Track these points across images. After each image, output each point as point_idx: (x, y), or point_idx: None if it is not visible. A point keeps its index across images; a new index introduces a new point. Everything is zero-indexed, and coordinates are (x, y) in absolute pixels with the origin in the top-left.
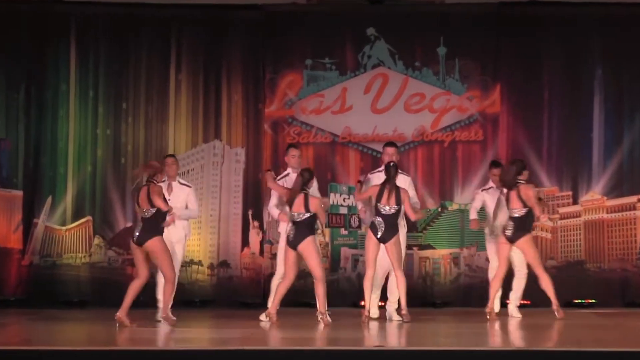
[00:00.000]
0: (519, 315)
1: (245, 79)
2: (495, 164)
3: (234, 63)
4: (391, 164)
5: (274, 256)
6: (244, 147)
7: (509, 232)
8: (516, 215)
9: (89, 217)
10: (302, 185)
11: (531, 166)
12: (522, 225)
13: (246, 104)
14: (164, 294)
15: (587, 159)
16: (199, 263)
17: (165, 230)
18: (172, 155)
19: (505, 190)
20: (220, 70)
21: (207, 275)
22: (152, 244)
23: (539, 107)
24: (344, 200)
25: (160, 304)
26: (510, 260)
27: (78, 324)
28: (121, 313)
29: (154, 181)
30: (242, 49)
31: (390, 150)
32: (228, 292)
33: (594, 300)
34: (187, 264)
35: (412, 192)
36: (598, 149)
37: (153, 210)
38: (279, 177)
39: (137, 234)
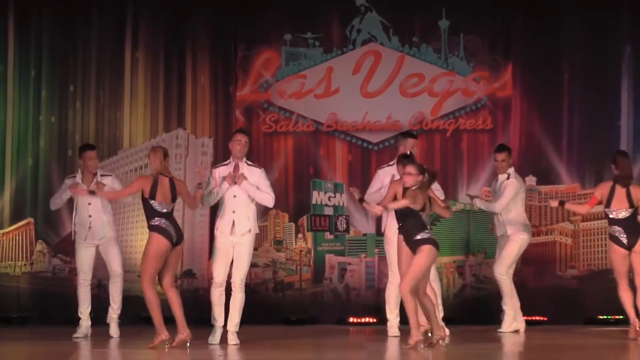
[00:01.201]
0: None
1: (213, 58)
2: (502, 148)
3: (200, 38)
4: (408, 152)
5: None
6: (212, 137)
7: (623, 238)
8: (624, 216)
9: (30, 219)
10: (429, 183)
11: (548, 159)
12: (637, 227)
13: (214, 87)
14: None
15: (614, 152)
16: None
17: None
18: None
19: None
20: (184, 47)
21: None
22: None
23: (558, 91)
24: (329, 199)
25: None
26: None
27: (18, 344)
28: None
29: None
30: (210, 22)
31: (411, 141)
32: (194, 306)
33: (621, 317)
34: None
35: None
36: (626, 140)
37: (173, 205)
38: (217, 165)
39: (176, 231)
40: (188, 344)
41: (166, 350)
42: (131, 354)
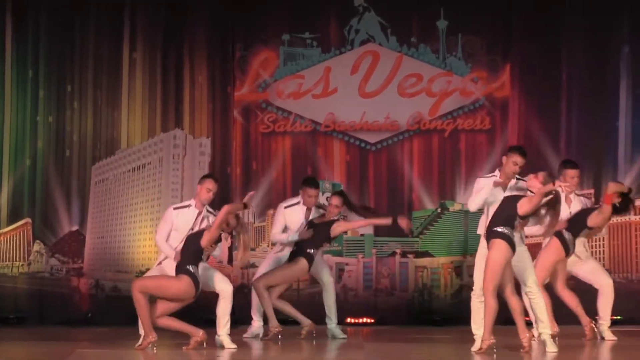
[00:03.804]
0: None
1: (211, 58)
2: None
3: (197, 38)
4: None
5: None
6: (210, 137)
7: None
8: None
9: (28, 220)
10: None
11: (546, 160)
12: None
13: (212, 87)
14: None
15: (612, 152)
16: None
17: None
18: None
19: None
20: (181, 47)
21: None
22: None
23: (556, 91)
24: (326, 199)
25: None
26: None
27: (15, 345)
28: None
29: None
30: (208, 22)
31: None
32: (191, 307)
33: (619, 317)
34: (142, 273)
35: None
36: (624, 140)
37: None
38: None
39: None
40: (204, 345)
41: (154, 350)
42: (126, 355)
